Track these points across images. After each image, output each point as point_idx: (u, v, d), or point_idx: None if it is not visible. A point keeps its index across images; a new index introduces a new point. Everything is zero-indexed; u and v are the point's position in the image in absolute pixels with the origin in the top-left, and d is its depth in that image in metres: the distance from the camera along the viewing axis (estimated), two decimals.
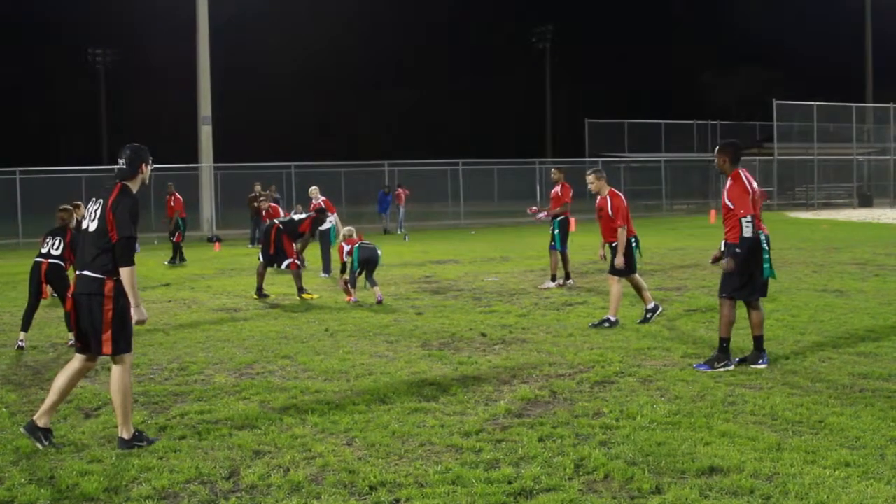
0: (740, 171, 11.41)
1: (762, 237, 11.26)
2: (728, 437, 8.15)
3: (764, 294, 11.52)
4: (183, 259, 29.24)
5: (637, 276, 15.09)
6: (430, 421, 9.00)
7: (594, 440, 8.20)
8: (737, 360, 11.25)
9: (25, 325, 13.79)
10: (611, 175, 57.20)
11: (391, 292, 18.84)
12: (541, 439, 8.28)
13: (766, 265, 11.18)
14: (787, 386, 10.13)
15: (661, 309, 15.04)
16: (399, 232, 43.40)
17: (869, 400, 9.39)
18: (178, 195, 31.03)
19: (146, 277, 23.52)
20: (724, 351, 11.18)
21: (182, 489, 7.25)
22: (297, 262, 18.69)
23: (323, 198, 23.36)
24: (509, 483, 7.15)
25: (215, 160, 48.77)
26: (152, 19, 70.81)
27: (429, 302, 17.70)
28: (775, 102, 62.39)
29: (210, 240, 40.46)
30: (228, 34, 52.96)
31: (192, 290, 20.97)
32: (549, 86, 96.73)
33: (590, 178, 15.69)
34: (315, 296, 18.48)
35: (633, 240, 15.02)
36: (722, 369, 10.94)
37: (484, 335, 13.86)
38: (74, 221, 13.97)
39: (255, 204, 39.20)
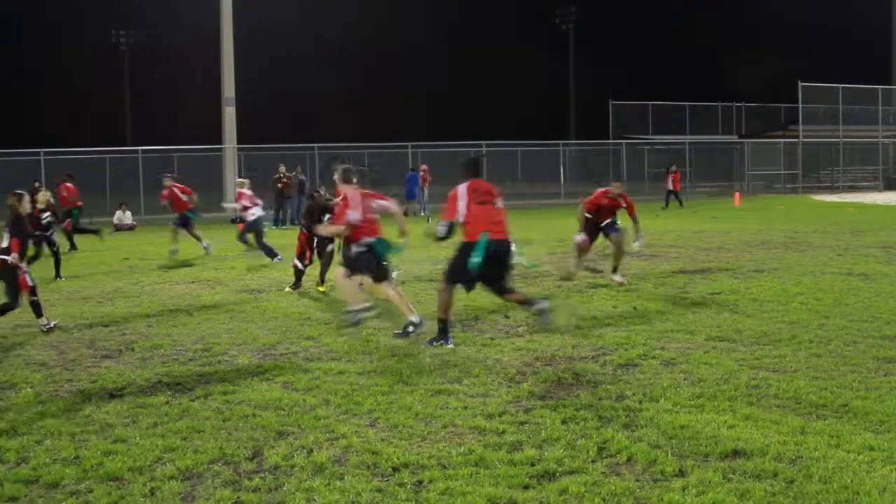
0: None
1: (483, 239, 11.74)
2: (752, 421, 8.14)
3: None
4: (74, 247, 27.61)
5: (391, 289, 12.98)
6: (453, 402, 9.00)
7: (617, 423, 8.20)
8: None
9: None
10: (635, 156, 57.49)
11: (414, 273, 18.82)
12: (564, 422, 8.27)
13: (475, 259, 11.60)
14: (812, 369, 10.09)
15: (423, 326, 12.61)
16: (422, 214, 43.29)
17: (894, 384, 9.35)
18: (69, 184, 30.08)
19: (161, 256, 23.61)
20: (443, 331, 11.89)
21: (206, 469, 7.29)
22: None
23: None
24: (532, 465, 7.15)
25: (239, 141, 48.82)
26: (176, 0, 70.86)
27: None
28: (801, 84, 62.03)
29: (234, 221, 40.49)
30: (250, 14, 52.82)
31: (215, 270, 21.01)
32: (572, 67, 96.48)
33: None
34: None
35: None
36: (437, 346, 11.69)
37: (507, 317, 13.85)
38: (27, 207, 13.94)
39: (279, 185, 39.24)
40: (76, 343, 12.61)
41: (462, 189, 11.92)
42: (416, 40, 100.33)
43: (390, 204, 13.30)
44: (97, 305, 16.14)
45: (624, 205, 17.37)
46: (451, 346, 11.73)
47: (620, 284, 16.90)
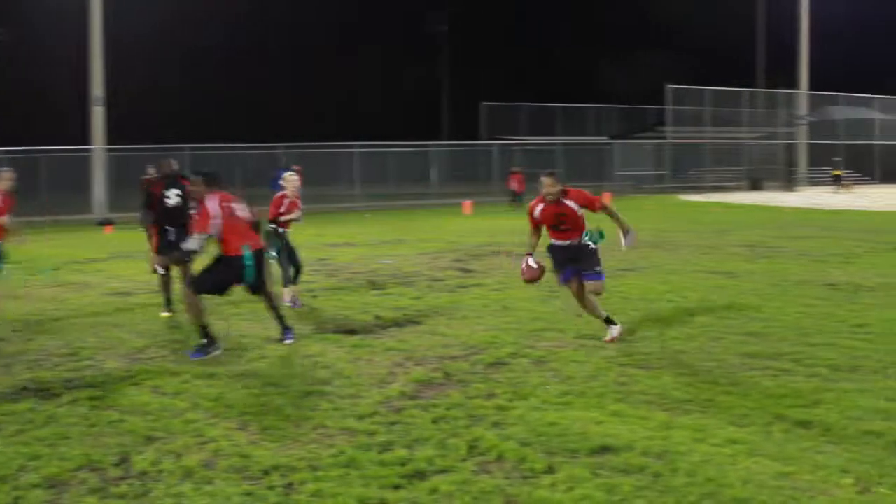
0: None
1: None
2: (619, 417, 8.27)
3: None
4: None
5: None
6: (324, 404, 8.98)
7: (487, 421, 8.26)
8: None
9: None
10: (506, 158, 57.87)
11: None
12: (434, 421, 8.31)
13: (249, 274, 11.68)
14: (677, 366, 10.29)
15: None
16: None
17: (757, 379, 9.58)
18: None
19: (36, 259, 23.13)
20: (208, 336, 11.56)
21: (72, 477, 7.15)
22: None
23: None
24: (403, 465, 7.17)
25: (108, 141, 47.88)
26: None
27: (323, 285, 17.63)
28: (668, 87, 63.21)
29: (101, 223, 39.82)
30: (120, 10, 51.85)
31: (82, 273, 20.63)
32: (444, 68, 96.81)
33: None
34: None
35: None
36: (211, 354, 11.39)
37: (378, 318, 13.86)
38: None
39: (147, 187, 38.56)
40: None
41: (213, 204, 11.58)
42: (287, 39, 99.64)
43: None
44: None
45: (580, 211, 11.85)
46: (220, 351, 11.50)
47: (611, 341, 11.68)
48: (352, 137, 56.33)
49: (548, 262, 12.13)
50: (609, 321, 11.88)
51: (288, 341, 12.04)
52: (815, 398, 8.76)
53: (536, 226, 12.10)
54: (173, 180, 14.85)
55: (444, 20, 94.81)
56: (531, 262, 12.04)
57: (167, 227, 14.50)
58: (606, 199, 47.71)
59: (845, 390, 9.05)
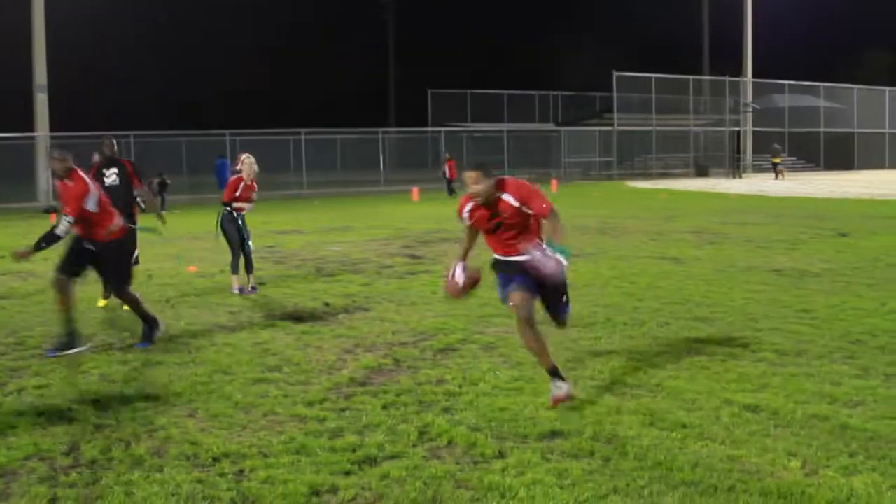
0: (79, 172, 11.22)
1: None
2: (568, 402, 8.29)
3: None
4: None
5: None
6: (274, 391, 8.95)
7: (437, 407, 8.26)
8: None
9: None
10: (454, 144, 57.91)
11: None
12: (384, 407, 8.30)
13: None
14: (627, 350, 10.34)
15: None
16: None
17: (704, 364, 9.64)
18: None
19: None
20: (71, 335, 11.04)
21: (20, 466, 7.07)
22: None
23: None
24: (353, 451, 7.15)
25: (52, 129, 47.44)
26: None
27: (272, 272, 17.57)
28: (615, 74, 63.51)
29: (46, 211, 39.45)
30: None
31: (28, 261, 20.33)
32: (392, 56, 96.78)
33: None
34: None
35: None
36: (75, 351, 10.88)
37: (327, 304, 13.83)
38: None
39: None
40: None
41: (92, 186, 11.12)
42: (235, 25, 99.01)
43: None
44: None
45: (524, 208, 8.55)
46: (85, 348, 11.06)
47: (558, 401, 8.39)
48: (300, 124, 56.14)
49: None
50: (555, 374, 8.40)
51: (139, 346, 11.21)
52: (762, 382, 8.84)
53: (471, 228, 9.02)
54: (111, 160, 14.61)
55: (391, 6, 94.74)
56: (458, 270, 8.91)
57: None
58: (553, 186, 48.04)
59: (792, 374, 9.13)
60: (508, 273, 8.65)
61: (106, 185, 14.09)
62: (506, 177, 8.75)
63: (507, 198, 8.49)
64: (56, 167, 11.14)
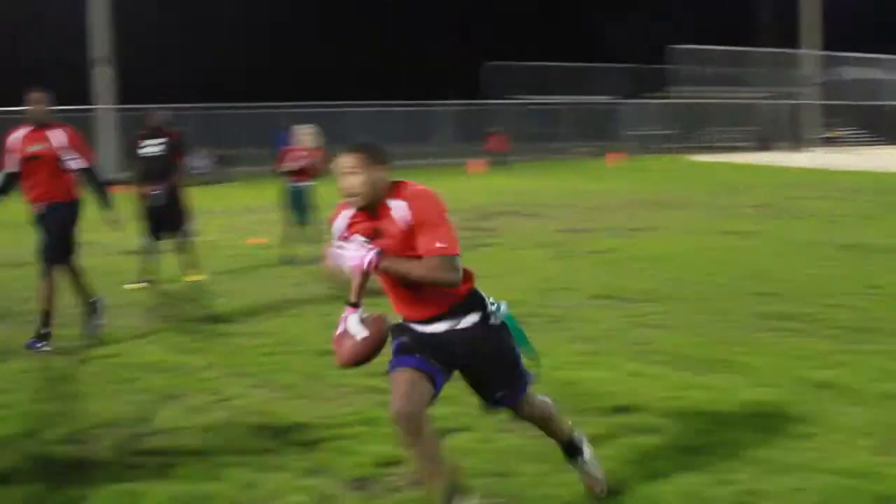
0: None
1: None
2: (636, 377, 8.25)
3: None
4: None
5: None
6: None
7: None
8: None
9: None
10: (509, 117, 57.56)
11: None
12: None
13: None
14: (693, 326, 10.28)
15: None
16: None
17: (772, 340, 9.56)
18: None
19: None
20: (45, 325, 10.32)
21: (102, 432, 7.18)
22: None
23: None
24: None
25: (120, 101, 47.57)
26: None
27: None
28: (674, 47, 63.03)
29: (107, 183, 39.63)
30: None
31: (95, 231, 20.51)
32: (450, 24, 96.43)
33: None
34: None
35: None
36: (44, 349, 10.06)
37: None
38: None
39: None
40: None
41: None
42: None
43: None
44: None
45: (406, 226, 5.07)
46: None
47: None
48: (350, 97, 55.89)
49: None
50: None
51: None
52: (832, 360, 8.74)
53: None
54: (152, 132, 14.59)
55: None
56: (352, 321, 5.16)
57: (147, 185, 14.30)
58: (611, 160, 47.77)
59: (862, 351, 9.02)
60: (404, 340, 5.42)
61: (140, 154, 14.40)
62: (409, 182, 5.25)
63: (397, 207, 5.10)
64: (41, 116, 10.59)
